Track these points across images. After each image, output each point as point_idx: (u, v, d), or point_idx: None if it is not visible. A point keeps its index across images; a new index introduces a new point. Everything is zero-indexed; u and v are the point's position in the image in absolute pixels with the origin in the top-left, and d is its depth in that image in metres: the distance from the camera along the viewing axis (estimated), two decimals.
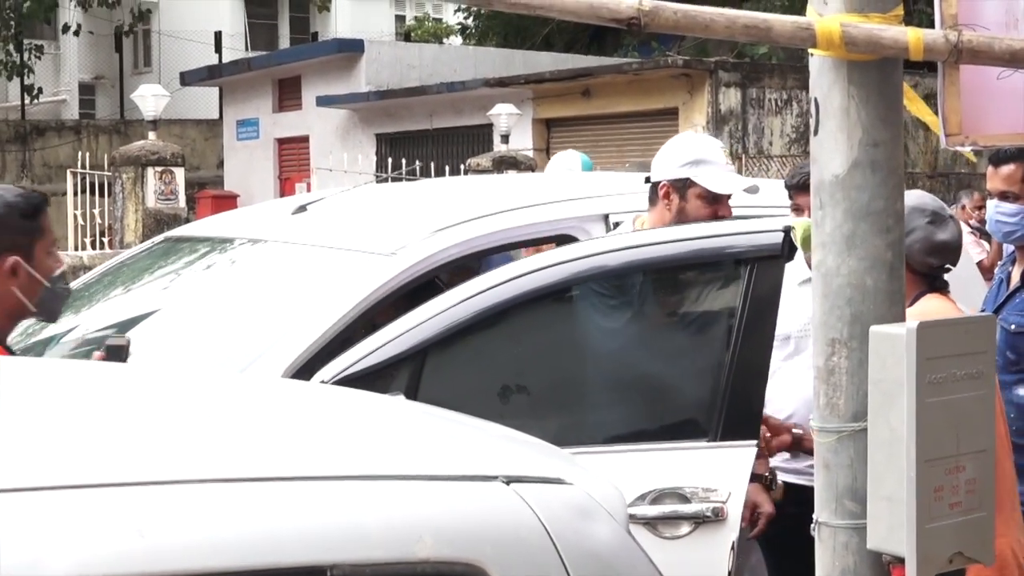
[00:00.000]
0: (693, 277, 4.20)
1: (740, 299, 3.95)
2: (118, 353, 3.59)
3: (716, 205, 4.67)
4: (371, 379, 3.79)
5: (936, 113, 2.97)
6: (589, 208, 4.91)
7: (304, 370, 3.96)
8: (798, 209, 4.86)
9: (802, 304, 4.47)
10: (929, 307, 4.04)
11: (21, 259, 3.52)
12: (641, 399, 4.12)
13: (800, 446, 4.49)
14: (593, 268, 4.05)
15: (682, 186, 4.67)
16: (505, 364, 4.12)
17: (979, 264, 9.29)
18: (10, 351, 3.61)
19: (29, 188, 3.61)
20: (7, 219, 3.51)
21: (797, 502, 4.21)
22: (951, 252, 4.15)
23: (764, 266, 3.97)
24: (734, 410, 3.89)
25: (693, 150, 4.72)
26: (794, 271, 4.62)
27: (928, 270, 4.13)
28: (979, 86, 2.97)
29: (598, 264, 4.05)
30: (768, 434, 4.36)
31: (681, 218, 4.62)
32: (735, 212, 4.79)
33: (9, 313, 3.57)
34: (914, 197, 4.16)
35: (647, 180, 4.83)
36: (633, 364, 4.14)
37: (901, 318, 2.86)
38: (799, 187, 5.03)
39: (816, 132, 2.86)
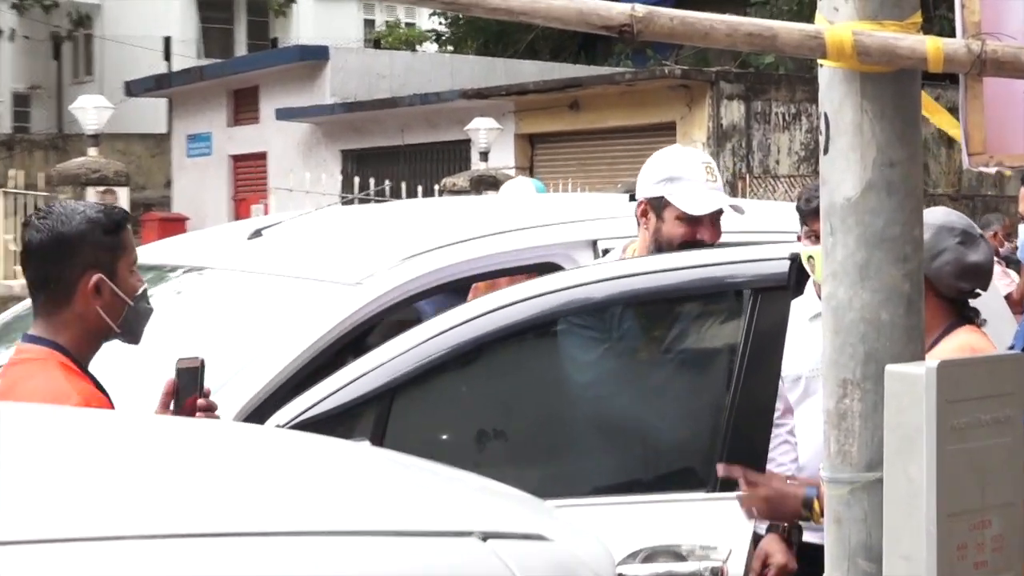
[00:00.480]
0: (689, 310, 4.19)
1: (742, 334, 3.95)
2: (192, 377, 3.65)
3: (695, 227, 4.53)
4: (333, 423, 3.78)
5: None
6: (576, 233, 4.91)
7: (259, 413, 3.95)
8: (814, 236, 4.80)
9: (814, 342, 4.47)
10: (970, 341, 4.02)
11: (104, 276, 3.68)
12: (632, 446, 4.12)
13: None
14: (579, 300, 4.04)
15: (658, 205, 4.61)
16: (481, 407, 4.11)
17: (1007, 297, 9.31)
18: (93, 378, 3.72)
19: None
20: (89, 235, 3.68)
21: (811, 560, 4.20)
22: (983, 275, 4.15)
23: (769, 298, 3.97)
24: (735, 458, 3.89)
25: (669, 166, 4.63)
26: (805, 305, 4.62)
27: (957, 295, 4.12)
28: (1005, 101, 2.98)
29: (584, 296, 4.04)
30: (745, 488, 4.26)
31: (658, 239, 4.56)
32: (736, 238, 4.78)
33: (92, 334, 3.73)
34: (940, 215, 4.15)
35: (631, 199, 4.80)
36: (623, 407, 4.14)
37: (919, 356, 2.86)
38: (815, 212, 4.97)
39: (826, 150, 2.86)
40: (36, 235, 3.70)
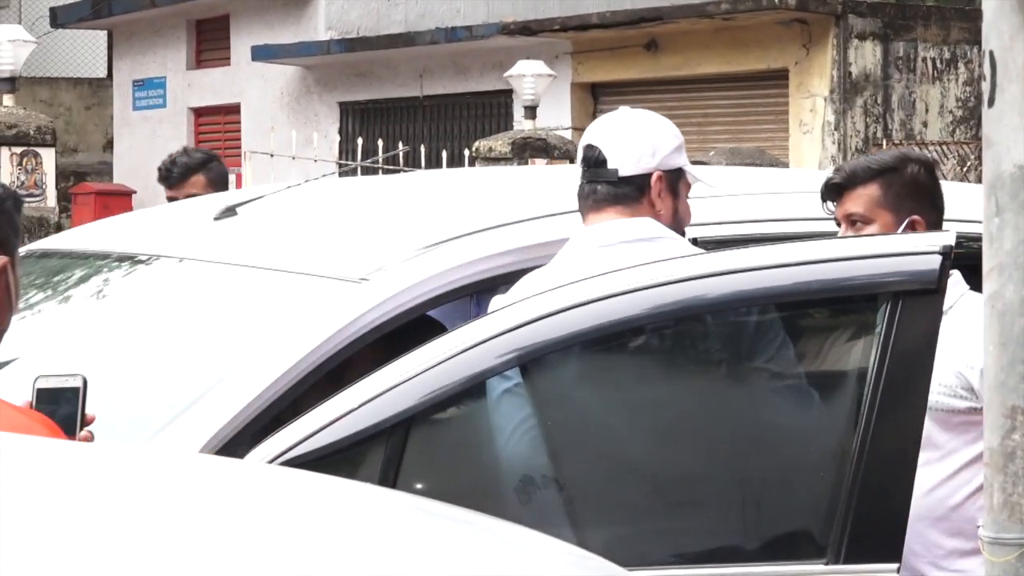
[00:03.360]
0: (803, 321, 4.20)
1: (875, 354, 3.95)
2: (60, 399, 3.45)
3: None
4: (329, 463, 3.79)
5: None
6: None
7: (233, 445, 3.97)
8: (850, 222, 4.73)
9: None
10: None
11: (11, 264, 3.43)
12: (728, 501, 4.13)
13: None
14: (665, 305, 4.03)
15: (674, 179, 4.63)
16: (526, 444, 4.13)
17: None
18: None
19: None
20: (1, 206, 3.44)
21: None
22: None
23: (912, 305, 3.97)
24: (864, 519, 3.90)
25: (673, 130, 4.71)
26: None
27: None
28: None
29: (672, 299, 4.03)
30: None
31: (675, 224, 4.57)
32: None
33: None
34: None
35: (617, 177, 4.71)
36: (717, 449, 4.15)
37: None
38: (834, 188, 4.83)
39: (991, 102, 2.87)
40: None
